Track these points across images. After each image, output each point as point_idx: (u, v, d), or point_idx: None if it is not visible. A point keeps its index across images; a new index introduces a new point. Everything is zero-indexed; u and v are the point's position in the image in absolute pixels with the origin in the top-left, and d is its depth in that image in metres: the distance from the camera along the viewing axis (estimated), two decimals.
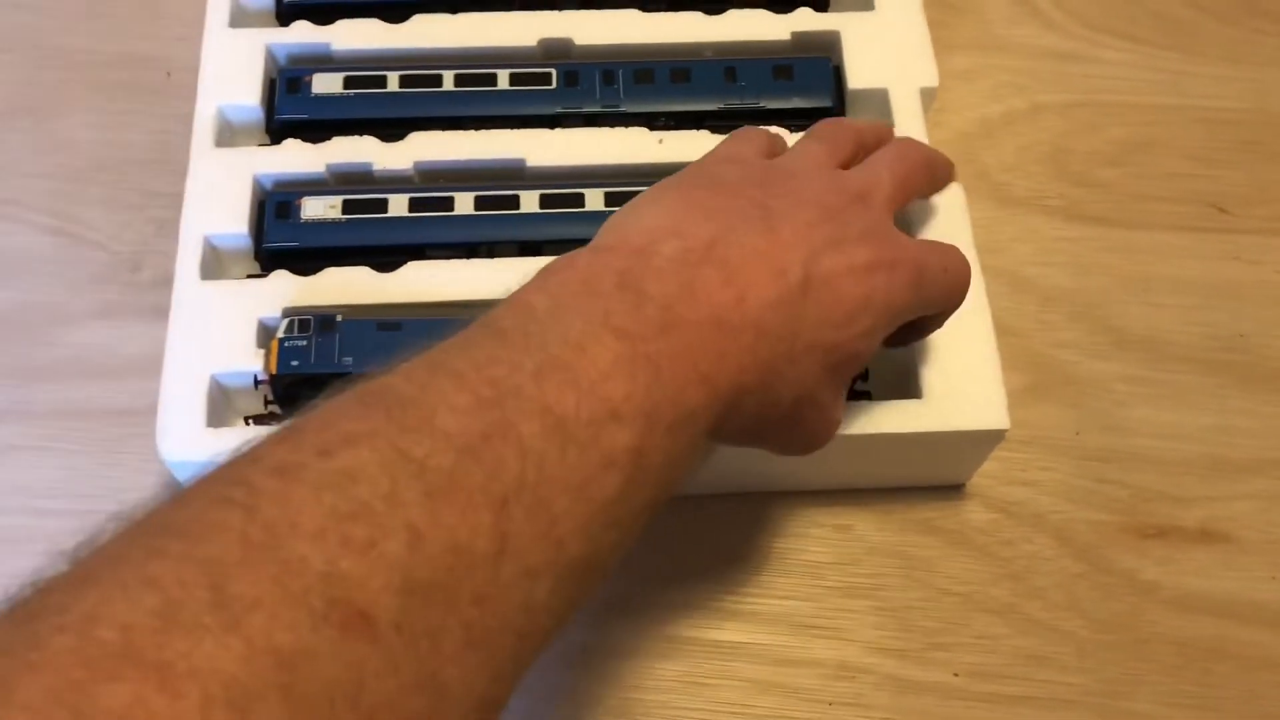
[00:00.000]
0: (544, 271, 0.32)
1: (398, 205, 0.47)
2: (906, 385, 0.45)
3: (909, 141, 0.43)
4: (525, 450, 0.25)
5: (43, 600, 0.21)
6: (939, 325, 0.40)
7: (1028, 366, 0.52)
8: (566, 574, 0.26)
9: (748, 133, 0.41)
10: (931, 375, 0.44)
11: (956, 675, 0.46)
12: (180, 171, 0.48)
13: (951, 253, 0.38)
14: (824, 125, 0.42)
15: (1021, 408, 0.51)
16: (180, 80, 0.49)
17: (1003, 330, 0.52)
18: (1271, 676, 0.46)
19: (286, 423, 0.25)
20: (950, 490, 0.49)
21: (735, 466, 0.46)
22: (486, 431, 0.25)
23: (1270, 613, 0.47)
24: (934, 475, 0.48)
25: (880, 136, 0.43)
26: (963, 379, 0.44)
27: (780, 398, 0.33)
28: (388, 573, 0.22)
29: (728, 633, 0.47)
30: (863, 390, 0.45)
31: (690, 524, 0.48)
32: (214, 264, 0.46)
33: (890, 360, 0.45)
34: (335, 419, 0.25)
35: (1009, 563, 0.48)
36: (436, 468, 0.24)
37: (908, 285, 0.35)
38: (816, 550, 0.48)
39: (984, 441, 0.45)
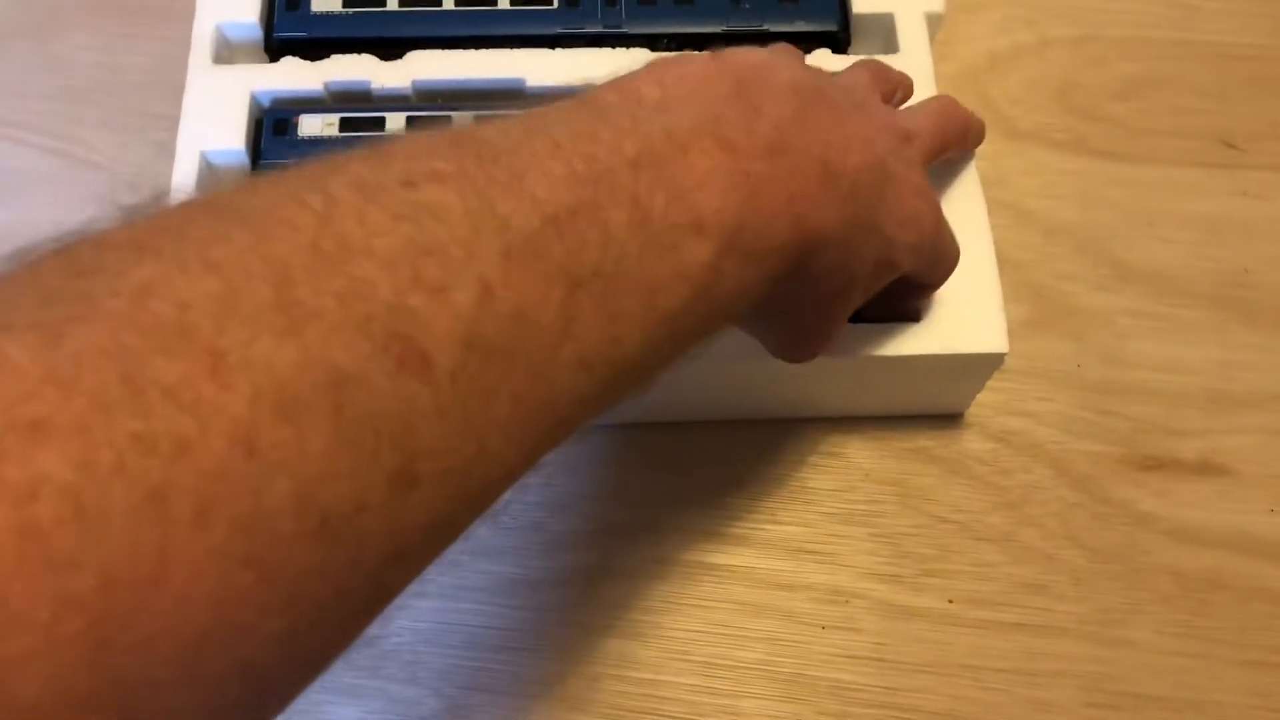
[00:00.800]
0: (657, 63, 0.30)
1: (395, 124, 0.46)
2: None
3: (951, 99, 0.42)
4: (608, 238, 0.24)
5: (97, 257, 0.20)
6: (924, 295, 0.40)
7: (1030, 298, 0.51)
8: (612, 375, 0.25)
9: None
10: (931, 299, 0.43)
11: (951, 602, 0.45)
12: (181, 94, 0.48)
13: (951, 232, 0.38)
14: (869, 61, 0.42)
15: (1023, 339, 0.50)
16: (183, 3, 0.49)
17: (1006, 262, 0.51)
18: (1268, 608, 0.45)
19: (371, 145, 0.24)
20: (948, 419, 0.49)
21: (732, 390, 0.46)
22: (574, 207, 0.24)
23: (1268, 545, 0.46)
24: (932, 403, 0.48)
25: (908, 90, 0.42)
26: (962, 303, 0.43)
27: (843, 268, 0.31)
28: (453, 321, 0.21)
29: (724, 556, 0.46)
30: None
31: (688, 450, 0.48)
32: (211, 182, 0.46)
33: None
34: (424, 151, 0.23)
35: (1006, 492, 0.47)
36: (519, 229, 0.23)
37: (935, 227, 0.35)
38: (813, 477, 0.48)
39: (983, 366, 0.44)
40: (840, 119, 0.31)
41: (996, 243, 0.52)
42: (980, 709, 0.44)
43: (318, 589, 0.20)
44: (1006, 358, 0.50)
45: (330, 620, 0.21)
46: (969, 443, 0.48)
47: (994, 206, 0.53)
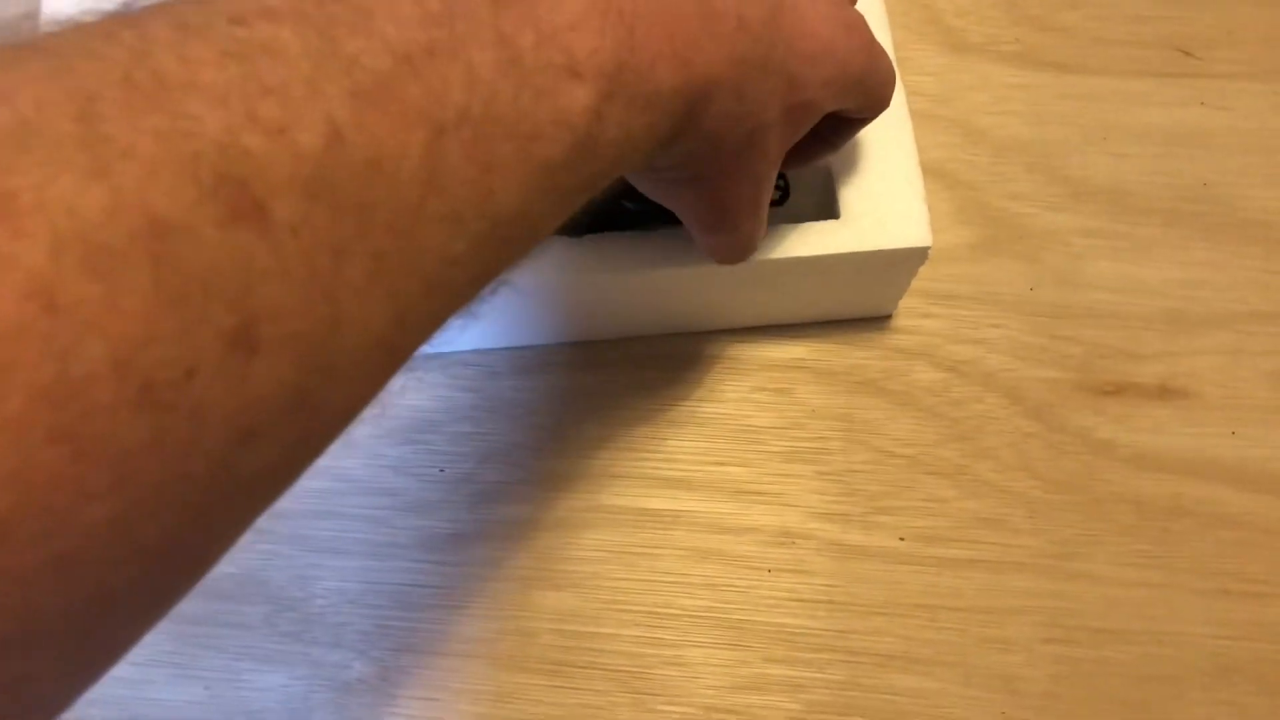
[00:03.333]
0: None
1: None
2: (826, 207, 0.41)
3: None
4: (474, 80, 0.21)
5: None
6: (861, 127, 0.36)
7: (981, 220, 0.48)
8: (490, 231, 0.22)
9: None
10: (851, 195, 0.40)
11: (902, 540, 0.43)
12: None
13: (885, 53, 0.34)
14: None
15: (973, 263, 0.47)
16: None
17: (955, 183, 0.48)
18: (1230, 534, 0.43)
19: None
20: (892, 351, 0.45)
21: (654, 296, 0.42)
22: (431, 46, 0.21)
23: (1229, 469, 0.44)
24: (857, 306, 0.45)
25: None
26: (883, 198, 0.40)
27: (743, 115, 0.28)
28: (295, 164, 0.18)
29: (664, 501, 0.43)
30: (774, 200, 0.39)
31: (623, 390, 0.45)
32: None
33: (809, 182, 0.41)
34: None
35: (958, 423, 0.44)
36: (369, 68, 0.20)
37: (862, 53, 0.31)
38: (756, 415, 0.45)
39: (907, 262, 0.41)
40: None
41: (944, 162, 0.48)
42: (935, 649, 0.41)
43: (150, 468, 0.17)
44: (956, 284, 0.47)
45: (171, 509, 0.17)
46: (918, 373, 0.45)
47: (941, 124, 0.49)
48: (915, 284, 0.45)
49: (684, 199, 0.32)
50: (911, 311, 0.46)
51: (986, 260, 0.47)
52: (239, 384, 0.18)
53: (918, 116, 0.49)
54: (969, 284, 0.46)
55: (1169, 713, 0.40)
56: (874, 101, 0.34)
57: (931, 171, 0.48)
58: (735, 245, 0.34)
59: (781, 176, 0.37)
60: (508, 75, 0.22)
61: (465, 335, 0.44)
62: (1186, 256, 0.47)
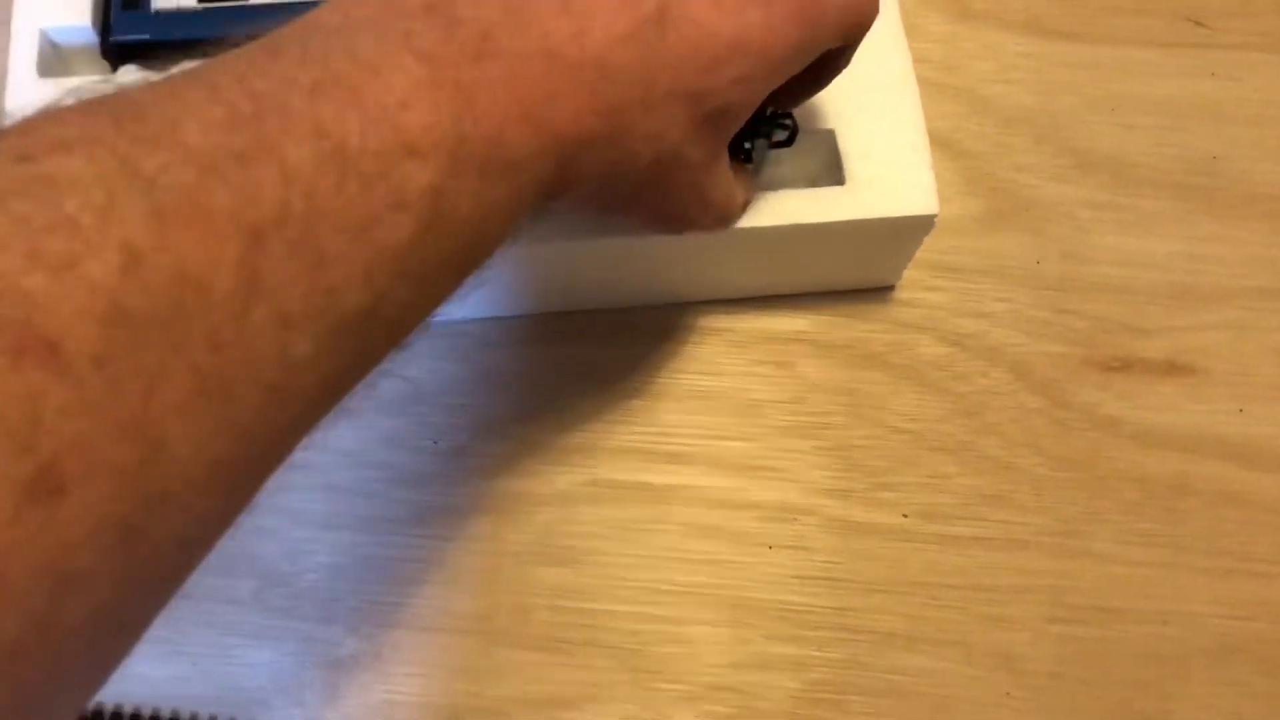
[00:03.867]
0: None
1: None
2: (829, 173, 0.40)
3: None
4: (290, 176, 0.20)
5: None
6: (848, 61, 0.34)
7: (986, 191, 0.47)
8: (340, 327, 0.21)
9: None
10: (856, 161, 0.39)
11: (905, 516, 0.42)
12: None
13: None
14: None
15: (979, 235, 0.46)
16: None
17: (961, 153, 0.47)
18: (1236, 513, 0.42)
19: None
20: (896, 324, 0.44)
21: (645, 266, 0.41)
22: (241, 151, 0.20)
23: (1236, 446, 0.43)
24: (861, 275, 0.43)
25: None
26: (888, 163, 0.39)
27: (635, 154, 0.27)
28: (88, 297, 0.17)
29: (664, 476, 0.42)
30: (780, 140, 0.37)
31: (620, 362, 0.44)
32: (54, 61, 0.40)
33: (814, 146, 0.40)
34: (46, 122, 0.19)
35: (962, 398, 0.43)
36: (171, 185, 0.19)
37: (792, 20, 0.29)
38: (757, 389, 0.43)
39: (913, 230, 0.40)
40: (566, 3, 0.26)
41: (949, 132, 0.47)
42: (937, 627, 0.40)
43: None
44: (961, 256, 0.46)
45: None
46: (922, 347, 0.44)
47: (947, 94, 0.48)
48: (921, 255, 0.44)
49: (615, 221, 0.31)
50: (916, 284, 0.45)
51: (992, 232, 0.46)
52: (46, 529, 0.17)
53: (922, 84, 0.48)
54: (975, 256, 0.45)
55: (1172, 692, 0.40)
56: (843, 41, 0.32)
57: (936, 141, 0.47)
58: (705, 227, 0.33)
59: (787, 115, 0.35)
60: (330, 165, 0.21)
61: (457, 305, 0.43)
62: (1194, 231, 0.46)
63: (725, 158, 0.32)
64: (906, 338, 0.44)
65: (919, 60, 0.42)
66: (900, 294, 0.45)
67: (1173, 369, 0.44)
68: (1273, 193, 0.46)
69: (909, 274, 0.44)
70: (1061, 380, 0.44)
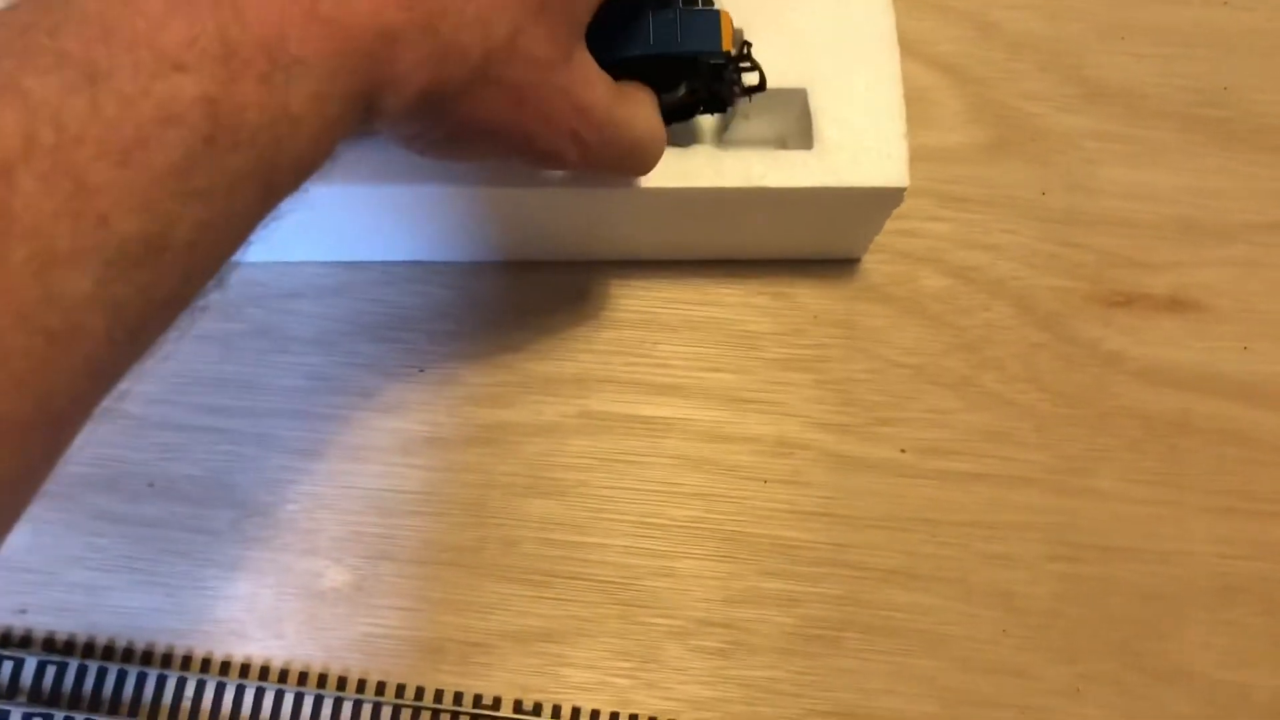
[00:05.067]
0: None
1: None
2: (798, 135, 0.38)
3: None
4: (34, 108, 0.19)
5: None
6: None
7: (992, 120, 0.45)
8: (122, 259, 0.19)
9: None
10: (826, 124, 0.37)
11: (904, 451, 0.40)
12: None
13: None
14: None
15: (984, 164, 0.44)
16: None
17: (967, 79, 0.45)
18: (1238, 451, 0.41)
19: None
20: (898, 255, 0.43)
21: (580, 223, 0.39)
22: None
23: (1240, 384, 0.42)
24: (825, 245, 0.42)
25: None
26: (861, 131, 0.36)
27: (462, 48, 0.24)
28: None
29: (657, 408, 0.41)
30: (752, 86, 0.34)
31: (614, 291, 0.42)
32: None
33: (781, 106, 0.38)
34: None
35: (964, 332, 0.42)
36: None
37: None
38: (753, 320, 0.42)
39: (880, 203, 0.38)
40: None
41: (956, 57, 0.46)
42: (935, 565, 0.39)
43: None
44: (966, 186, 0.44)
45: None
46: (924, 279, 0.43)
47: (953, 17, 0.46)
48: (924, 185, 0.42)
49: (479, 151, 0.28)
50: (919, 214, 0.43)
51: (997, 162, 0.44)
52: None
53: (929, 7, 0.46)
54: (979, 186, 0.44)
55: (1171, 631, 0.39)
56: None
57: (943, 67, 0.45)
58: (594, 158, 0.29)
59: (750, 59, 0.33)
60: (80, 91, 0.19)
61: (441, 247, 0.41)
62: (1202, 164, 0.45)
63: (587, 61, 0.28)
64: (908, 269, 0.43)
65: None
66: (903, 224, 0.43)
67: (1177, 305, 0.43)
68: None
69: (913, 203, 0.42)
70: (1065, 315, 0.42)
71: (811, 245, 0.41)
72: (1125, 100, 0.46)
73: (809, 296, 0.42)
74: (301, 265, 0.41)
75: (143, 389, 0.40)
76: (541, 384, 0.41)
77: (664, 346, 0.41)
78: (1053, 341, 0.42)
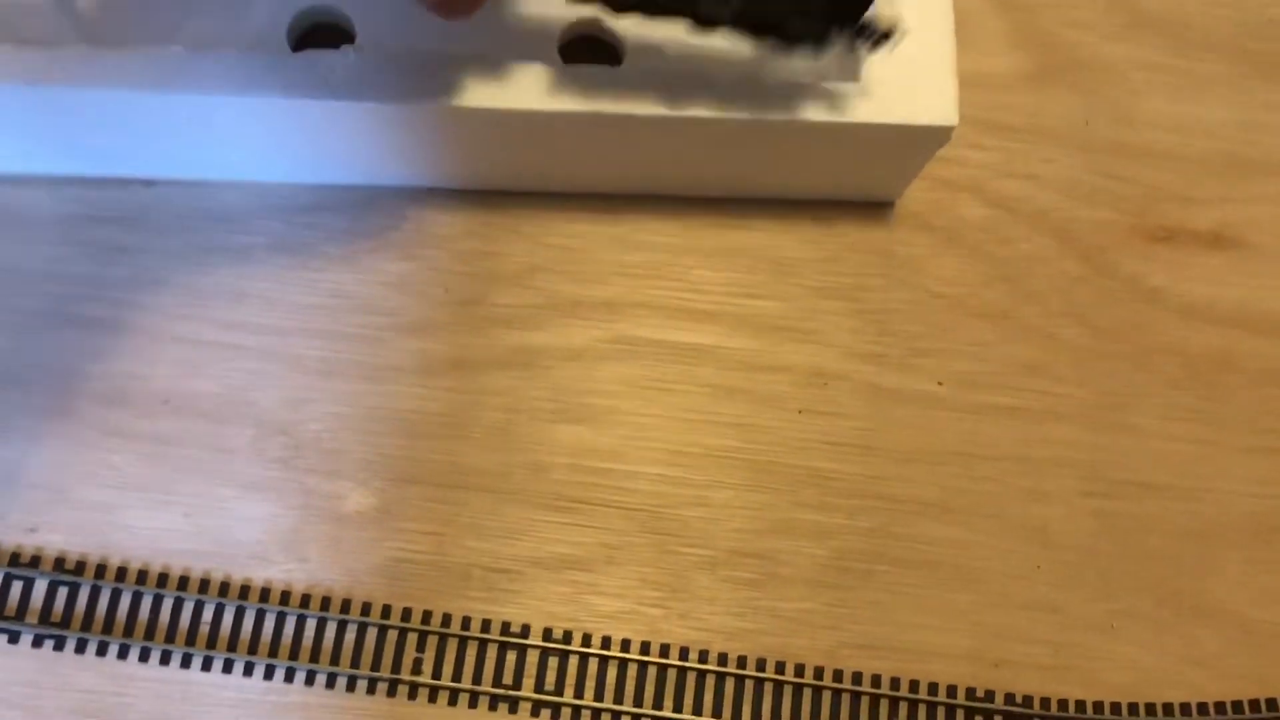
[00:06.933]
0: None
1: None
2: (843, 68, 0.36)
3: None
4: None
5: None
6: None
7: (1035, 47, 0.43)
8: None
9: None
10: (873, 58, 0.35)
11: (941, 384, 0.39)
12: None
13: None
14: None
15: (1026, 93, 0.43)
16: None
17: (1011, 5, 0.44)
18: (1278, 391, 0.40)
19: None
20: (938, 183, 0.41)
21: (610, 152, 0.38)
22: None
23: None
24: (862, 186, 0.40)
25: None
26: (909, 64, 0.35)
27: None
28: None
29: (691, 335, 0.39)
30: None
31: (647, 213, 0.40)
32: None
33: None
34: None
35: (1004, 264, 0.41)
36: None
37: None
38: (791, 247, 0.40)
39: (926, 141, 0.36)
40: None
41: None
42: (971, 499, 0.38)
43: None
44: (1007, 114, 0.43)
45: None
46: (964, 208, 0.41)
47: None
48: (967, 112, 0.40)
49: None
50: (960, 141, 0.41)
51: (1040, 90, 0.43)
52: None
53: None
54: (1021, 114, 0.42)
55: (1206, 570, 0.38)
56: None
57: None
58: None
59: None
60: None
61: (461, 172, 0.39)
62: (1248, 98, 0.44)
63: None
64: (948, 197, 0.41)
65: None
66: (944, 151, 0.41)
67: (1220, 241, 0.42)
68: None
69: (955, 130, 0.41)
70: (1107, 248, 0.41)
71: (849, 185, 0.40)
72: (1172, 30, 0.44)
73: (847, 224, 0.41)
74: (321, 185, 0.39)
75: (156, 301, 0.38)
76: (571, 307, 0.39)
77: (698, 271, 0.40)
78: (1093, 275, 0.41)
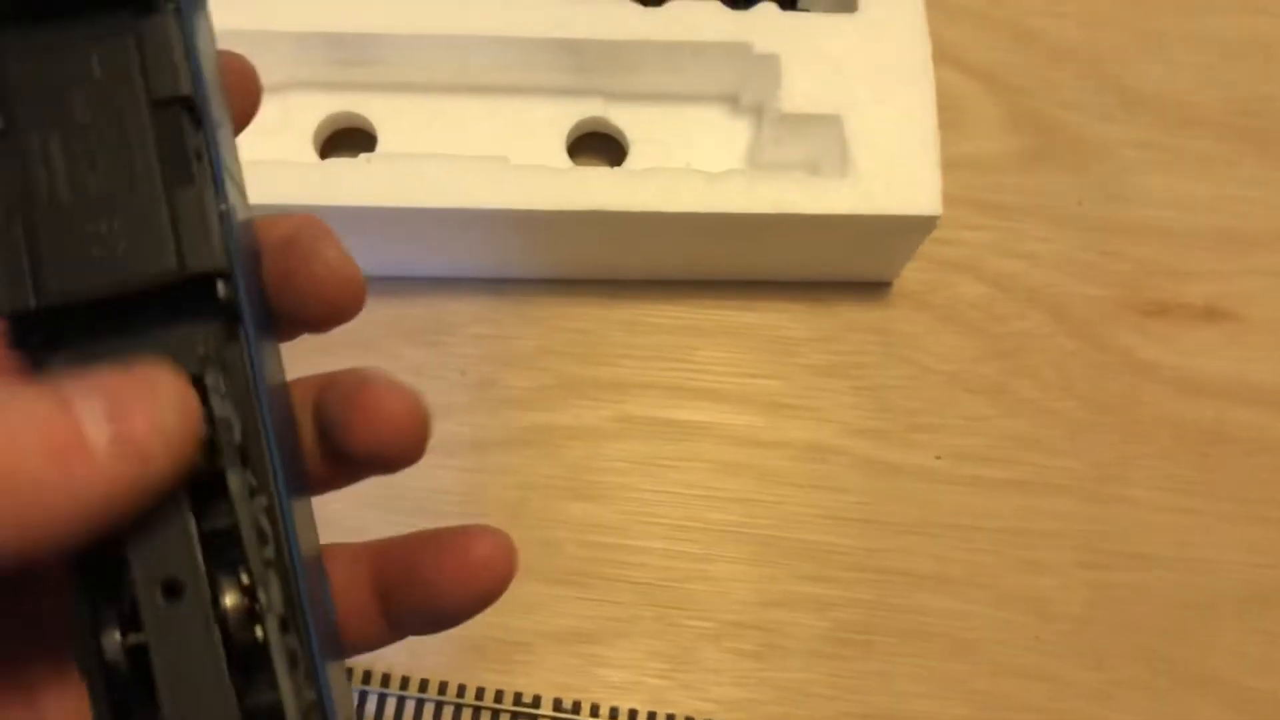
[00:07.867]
0: None
1: None
2: (832, 160, 0.38)
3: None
4: None
5: None
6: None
7: (1030, 128, 0.45)
8: None
9: None
10: (860, 150, 0.37)
11: (939, 458, 0.41)
12: None
13: None
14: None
15: (1020, 173, 0.44)
16: None
17: (1004, 88, 0.45)
18: (1272, 460, 0.41)
19: None
20: (934, 263, 0.43)
21: (602, 252, 0.40)
22: None
23: (1274, 394, 0.42)
24: (858, 268, 0.42)
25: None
26: (894, 158, 0.37)
27: None
28: None
29: (695, 413, 0.41)
30: None
31: (652, 295, 0.42)
32: None
33: (816, 133, 0.38)
34: None
35: (1000, 340, 0.42)
36: None
37: None
38: (790, 326, 0.42)
39: (913, 230, 0.38)
40: None
41: (994, 66, 0.45)
42: (967, 570, 0.39)
43: None
44: (1003, 195, 0.44)
45: None
46: (961, 286, 0.43)
47: (990, 26, 0.46)
48: (962, 193, 0.42)
49: None
50: (957, 223, 0.43)
51: (1035, 171, 0.44)
52: None
53: (968, 15, 0.46)
54: (1017, 195, 0.44)
55: (1201, 640, 0.39)
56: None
57: (980, 75, 0.45)
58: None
59: None
60: None
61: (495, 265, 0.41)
62: (1240, 173, 0.45)
63: None
64: (945, 277, 0.43)
65: None
66: (939, 232, 0.43)
67: (1212, 314, 0.43)
68: None
69: (950, 212, 0.42)
70: (1100, 323, 0.42)
71: (844, 269, 0.42)
72: (1163, 109, 0.45)
73: (846, 304, 0.42)
74: None
75: None
76: (581, 388, 0.41)
77: (701, 352, 0.42)
78: (1087, 349, 0.42)
